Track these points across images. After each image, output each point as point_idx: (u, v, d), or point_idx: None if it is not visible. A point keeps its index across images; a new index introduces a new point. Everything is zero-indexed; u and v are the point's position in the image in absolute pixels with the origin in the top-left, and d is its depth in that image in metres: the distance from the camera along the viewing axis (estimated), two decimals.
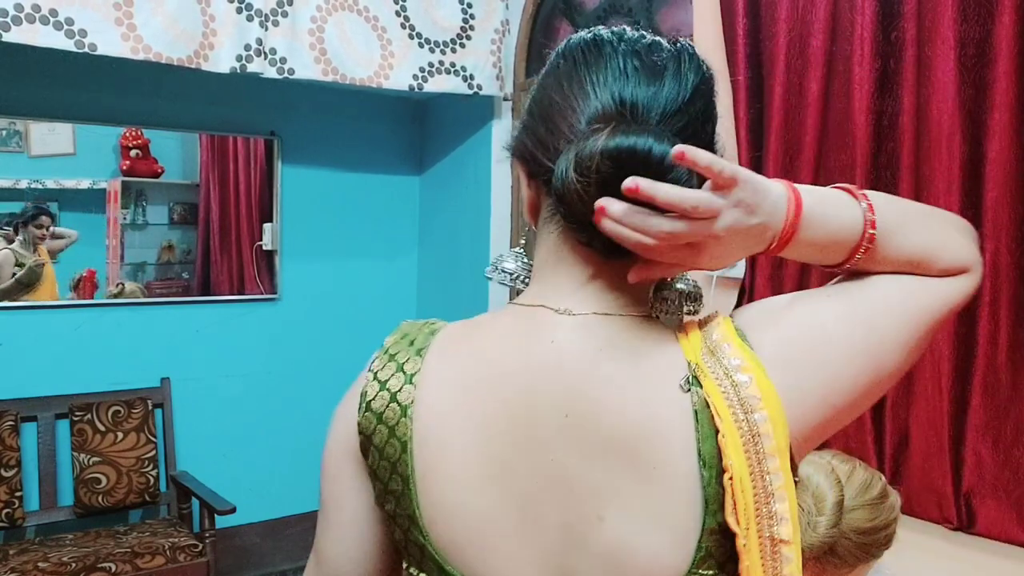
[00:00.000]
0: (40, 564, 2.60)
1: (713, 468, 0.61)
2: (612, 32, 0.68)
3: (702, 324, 0.68)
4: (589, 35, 0.69)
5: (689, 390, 0.62)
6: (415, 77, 3.09)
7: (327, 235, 3.54)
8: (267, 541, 3.56)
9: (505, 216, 3.33)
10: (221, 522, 2.88)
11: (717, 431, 0.61)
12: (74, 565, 2.61)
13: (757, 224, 0.62)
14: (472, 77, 3.22)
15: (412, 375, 0.69)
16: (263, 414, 3.51)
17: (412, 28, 3.10)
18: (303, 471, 3.60)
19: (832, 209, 0.66)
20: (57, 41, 2.38)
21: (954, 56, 1.72)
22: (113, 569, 2.64)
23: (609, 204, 0.60)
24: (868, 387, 0.66)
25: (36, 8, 2.34)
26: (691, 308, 0.72)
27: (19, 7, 2.32)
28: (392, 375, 0.70)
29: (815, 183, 0.75)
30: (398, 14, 3.08)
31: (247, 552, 3.50)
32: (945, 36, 1.74)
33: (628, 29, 0.69)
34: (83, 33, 2.42)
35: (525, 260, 0.76)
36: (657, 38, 0.68)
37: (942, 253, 0.68)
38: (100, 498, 2.96)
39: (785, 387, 0.62)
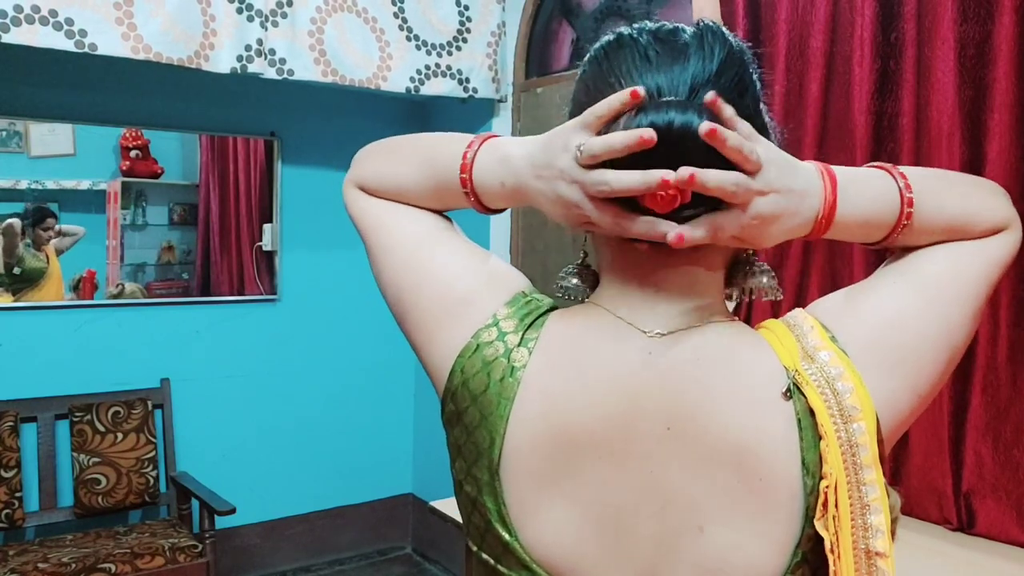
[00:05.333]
0: (40, 565, 2.60)
1: (816, 476, 0.61)
2: (633, 27, 0.68)
3: (788, 324, 0.67)
4: (611, 35, 0.69)
5: (791, 398, 0.62)
6: (412, 79, 3.10)
7: (327, 236, 3.54)
8: (267, 541, 3.56)
9: (504, 215, 3.33)
10: (221, 523, 2.88)
11: (820, 439, 0.61)
12: (74, 566, 2.61)
13: (794, 198, 0.61)
14: (468, 80, 3.22)
15: (530, 341, 0.67)
16: (263, 415, 3.51)
17: (410, 30, 3.11)
18: (303, 472, 3.61)
19: (868, 185, 0.66)
20: (57, 41, 2.38)
21: (954, 57, 1.72)
22: (113, 570, 2.64)
23: (672, 234, 0.59)
24: (946, 366, 0.66)
25: (36, 9, 2.34)
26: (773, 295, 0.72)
27: (19, 8, 2.32)
28: (512, 331, 0.68)
29: None
30: (396, 15, 3.08)
31: (247, 552, 3.50)
32: (945, 37, 1.74)
33: (649, 23, 0.68)
34: (83, 33, 2.41)
35: (583, 268, 0.75)
36: (680, 24, 0.67)
37: (978, 216, 0.69)
38: (100, 499, 2.96)
39: (878, 390, 0.63)
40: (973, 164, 1.71)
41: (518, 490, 0.65)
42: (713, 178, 0.58)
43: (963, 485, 1.76)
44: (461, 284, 0.72)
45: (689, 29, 0.66)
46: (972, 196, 0.70)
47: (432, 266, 0.73)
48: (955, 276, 0.67)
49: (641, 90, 0.60)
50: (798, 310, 0.69)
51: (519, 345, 0.67)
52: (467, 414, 0.68)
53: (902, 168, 0.69)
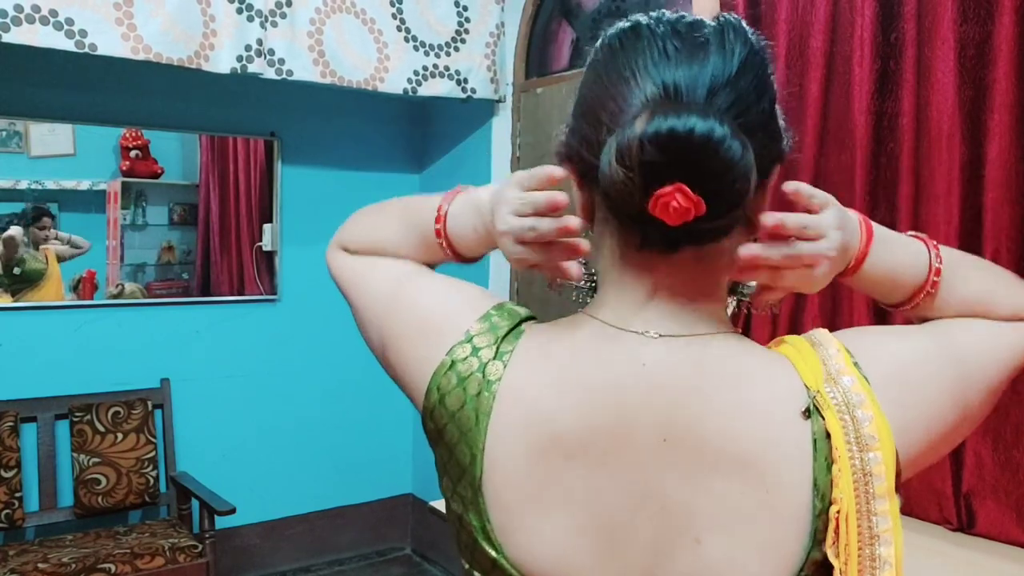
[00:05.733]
0: (40, 565, 2.60)
1: (826, 499, 0.60)
2: (650, 16, 0.65)
3: (812, 342, 0.66)
4: (627, 23, 0.65)
5: (809, 417, 0.61)
6: (410, 80, 3.10)
7: (327, 236, 3.51)
8: (267, 541, 3.56)
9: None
10: (221, 523, 2.88)
11: (832, 463, 0.60)
12: (74, 566, 2.61)
13: (847, 245, 0.65)
14: (466, 81, 3.22)
15: (505, 354, 0.67)
16: (263, 415, 3.51)
17: (408, 31, 3.11)
18: (303, 472, 3.61)
19: (901, 245, 0.69)
20: (57, 41, 2.38)
21: (954, 57, 1.72)
22: (113, 570, 2.64)
23: (748, 250, 0.63)
24: (955, 426, 0.66)
25: (36, 8, 2.34)
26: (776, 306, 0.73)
27: (19, 7, 2.32)
28: (486, 345, 0.67)
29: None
30: (394, 16, 3.08)
31: (247, 553, 3.50)
32: (945, 37, 1.74)
33: (667, 12, 0.65)
34: (83, 33, 2.41)
35: (588, 269, 0.75)
36: (701, 17, 0.65)
37: (1000, 300, 0.71)
38: (100, 499, 2.96)
39: (895, 423, 0.62)
40: (973, 164, 1.71)
41: (502, 505, 0.64)
42: (792, 221, 0.63)
43: (963, 486, 1.76)
44: (438, 308, 0.73)
45: (710, 23, 0.63)
46: (998, 281, 0.73)
47: (411, 296, 0.75)
48: (982, 348, 0.69)
49: (558, 173, 0.65)
50: (823, 330, 0.68)
51: (494, 358, 0.66)
52: (447, 432, 0.67)
53: (937, 243, 0.72)
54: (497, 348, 0.67)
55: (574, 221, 0.65)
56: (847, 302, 1.93)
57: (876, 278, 0.68)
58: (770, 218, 0.61)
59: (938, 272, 0.68)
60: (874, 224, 0.68)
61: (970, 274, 0.71)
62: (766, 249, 0.62)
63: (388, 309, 0.75)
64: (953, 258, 0.71)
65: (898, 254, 0.68)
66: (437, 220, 0.74)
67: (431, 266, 0.80)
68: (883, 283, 0.68)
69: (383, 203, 0.84)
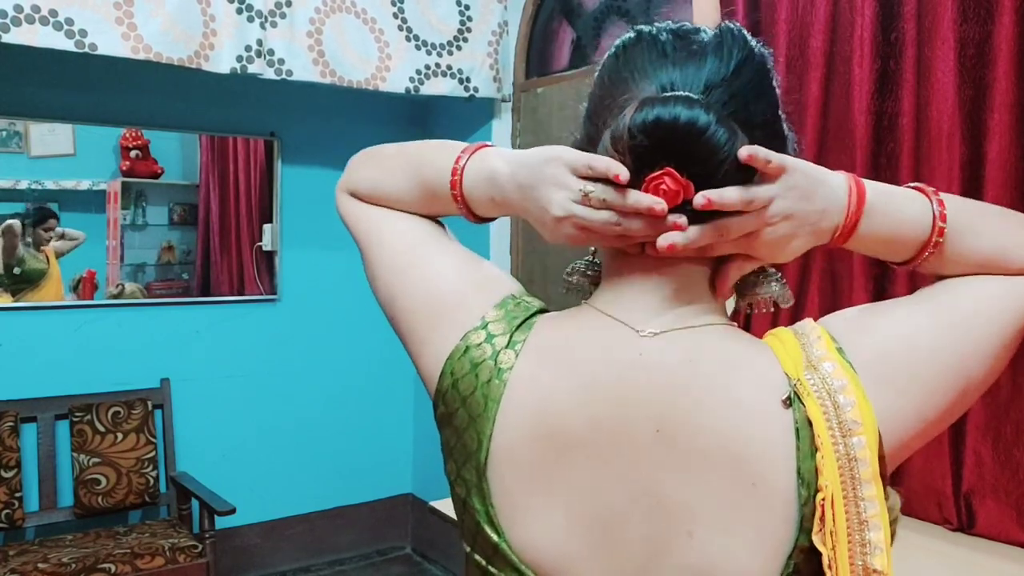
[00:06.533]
0: (40, 565, 2.60)
1: (811, 487, 0.60)
2: (655, 25, 0.68)
3: (795, 332, 0.66)
4: (632, 31, 0.69)
5: (791, 406, 0.61)
6: (411, 80, 3.10)
7: (327, 235, 3.53)
8: (267, 541, 3.56)
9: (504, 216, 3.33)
10: (221, 523, 2.88)
11: (816, 450, 0.60)
12: (74, 566, 2.61)
13: (813, 211, 0.62)
14: (468, 80, 3.22)
15: (517, 344, 0.68)
16: (263, 415, 3.51)
17: (409, 30, 3.11)
18: (303, 472, 3.61)
19: (899, 204, 0.66)
20: (57, 41, 2.38)
21: (954, 57, 1.72)
22: (113, 570, 2.64)
23: (663, 241, 0.61)
24: (958, 397, 0.65)
25: (36, 8, 2.34)
26: (781, 300, 0.72)
27: (19, 8, 2.32)
28: (500, 334, 0.68)
29: None
30: (396, 16, 3.08)
31: (247, 553, 3.50)
32: (945, 36, 1.74)
33: (670, 22, 0.69)
34: (83, 33, 2.42)
35: (592, 264, 0.76)
36: (703, 26, 0.68)
37: (1014, 252, 0.68)
38: (100, 499, 2.96)
39: (882, 405, 0.61)
40: (973, 164, 1.71)
41: (505, 491, 0.65)
42: (729, 199, 0.60)
43: (963, 485, 1.76)
44: (451, 288, 0.72)
45: (711, 30, 0.67)
46: (1011, 233, 0.69)
47: (424, 271, 0.74)
48: (978, 308, 0.66)
49: (623, 176, 0.61)
50: (808, 319, 0.68)
51: (506, 347, 0.67)
52: (457, 416, 0.68)
53: (944, 195, 0.68)
54: (510, 337, 0.68)
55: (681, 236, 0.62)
56: (847, 300, 1.93)
57: (874, 242, 0.65)
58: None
59: (941, 232, 0.65)
60: (869, 187, 0.65)
61: (981, 228, 0.67)
62: (683, 235, 0.61)
63: (401, 277, 0.74)
64: (962, 214, 0.67)
65: (898, 215, 0.65)
66: (453, 185, 0.72)
67: (439, 219, 0.79)
68: (883, 245, 0.66)
69: (390, 148, 0.82)
